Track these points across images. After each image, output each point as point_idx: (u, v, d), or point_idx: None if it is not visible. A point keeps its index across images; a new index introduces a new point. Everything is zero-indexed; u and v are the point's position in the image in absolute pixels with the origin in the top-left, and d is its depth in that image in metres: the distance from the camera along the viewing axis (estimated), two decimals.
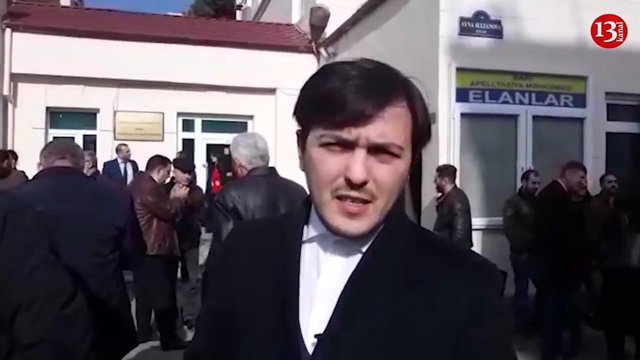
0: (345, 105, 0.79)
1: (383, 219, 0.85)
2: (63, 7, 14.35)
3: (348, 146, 0.80)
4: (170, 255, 5.09)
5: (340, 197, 0.81)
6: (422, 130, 0.86)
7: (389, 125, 0.80)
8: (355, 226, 0.82)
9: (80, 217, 2.34)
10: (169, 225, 5.10)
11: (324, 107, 0.81)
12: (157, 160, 5.18)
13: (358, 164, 0.79)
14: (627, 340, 4.63)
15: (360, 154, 0.80)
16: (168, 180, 5.38)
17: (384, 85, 0.82)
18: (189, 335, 5.00)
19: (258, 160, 2.89)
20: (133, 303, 4.98)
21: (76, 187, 2.50)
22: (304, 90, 0.86)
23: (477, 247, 5.86)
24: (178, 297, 5.53)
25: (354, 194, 0.81)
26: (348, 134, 0.79)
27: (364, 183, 0.80)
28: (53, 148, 2.61)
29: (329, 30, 10.17)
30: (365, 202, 0.82)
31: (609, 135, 7.20)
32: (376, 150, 0.81)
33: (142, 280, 5.03)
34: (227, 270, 0.98)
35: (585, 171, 4.88)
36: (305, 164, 0.87)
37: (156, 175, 5.08)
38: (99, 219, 2.44)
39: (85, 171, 4.45)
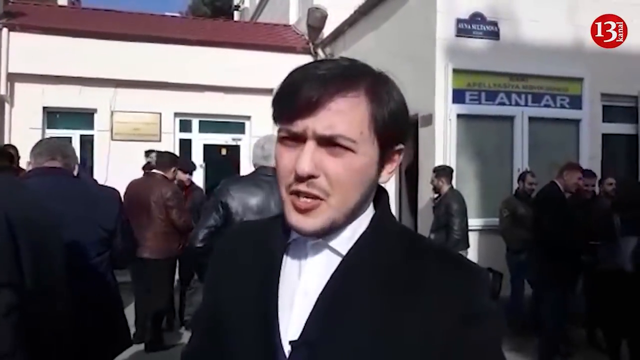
0: (295, 96, 0.77)
1: (345, 217, 0.82)
2: (60, 6, 14.32)
3: (299, 140, 0.79)
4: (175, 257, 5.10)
5: (293, 193, 0.80)
6: (389, 126, 0.81)
7: (339, 117, 0.77)
8: (310, 223, 0.80)
9: (66, 218, 2.27)
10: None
11: (279, 101, 0.81)
12: (169, 160, 5.11)
13: (303, 156, 0.77)
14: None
15: (308, 146, 0.78)
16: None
17: (337, 76, 0.78)
18: (186, 335, 4.99)
19: (261, 161, 2.94)
20: (132, 304, 5.04)
21: (65, 188, 2.46)
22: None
23: (473, 248, 5.88)
24: (175, 298, 5.54)
25: (303, 188, 0.78)
26: (296, 126, 0.78)
27: (312, 176, 0.78)
28: (43, 148, 2.55)
29: (327, 31, 10.19)
30: (316, 197, 0.79)
31: (604, 136, 7.23)
32: (326, 142, 0.78)
33: (154, 282, 4.97)
34: (219, 271, 0.97)
35: (583, 172, 4.92)
36: None
37: (170, 175, 5.03)
38: (87, 220, 2.42)
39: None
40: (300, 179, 0.78)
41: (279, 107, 0.81)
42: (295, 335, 0.81)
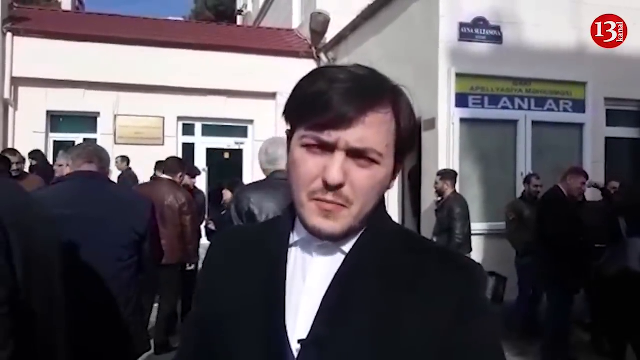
0: (328, 107, 0.79)
1: (360, 223, 0.85)
2: (64, 11, 14.42)
3: (328, 148, 0.81)
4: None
5: (316, 200, 0.82)
6: (405, 139, 0.86)
7: (370, 131, 0.80)
8: (330, 225, 0.82)
9: (102, 221, 2.39)
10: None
11: (308, 108, 0.82)
12: (177, 164, 5.10)
13: (335, 167, 0.79)
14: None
15: (338, 156, 0.80)
16: None
17: (369, 90, 0.82)
18: None
19: (268, 166, 2.85)
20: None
21: (100, 192, 2.54)
22: (293, 91, 0.87)
23: (477, 252, 5.87)
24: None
25: (329, 197, 0.81)
26: (328, 136, 0.80)
27: (340, 186, 0.80)
28: (81, 151, 2.63)
29: (329, 35, 10.22)
30: (340, 205, 0.82)
31: (608, 140, 7.22)
32: (355, 154, 0.81)
33: (164, 287, 4.96)
34: (213, 276, 0.97)
35: (587, 177, 4.90)
36: (288, 164, 0.88)
37: (177, 180, 5.02)
38: (121, 224, 2.48)
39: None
40: (329, 187, 0.81)
41: (307, 114, 0.82)
42: (303, 335, 0.82)
